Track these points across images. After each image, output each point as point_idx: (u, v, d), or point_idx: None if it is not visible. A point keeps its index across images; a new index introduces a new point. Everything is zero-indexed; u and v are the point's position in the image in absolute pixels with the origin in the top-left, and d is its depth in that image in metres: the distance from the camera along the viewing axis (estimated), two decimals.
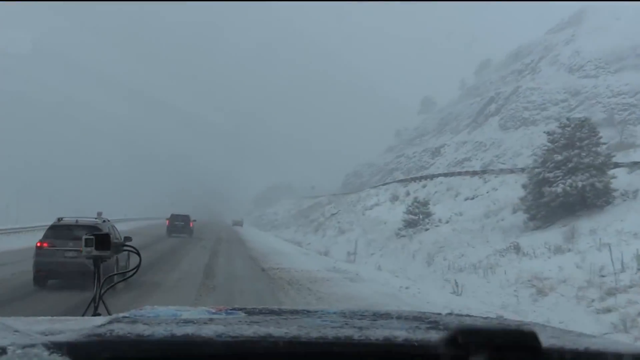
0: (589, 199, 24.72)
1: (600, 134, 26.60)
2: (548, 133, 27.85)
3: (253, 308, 1.67)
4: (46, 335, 1.12)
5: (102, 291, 2.72)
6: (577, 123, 26.48)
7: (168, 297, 12.13)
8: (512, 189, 34.17)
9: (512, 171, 38.11)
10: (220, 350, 1.05)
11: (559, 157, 25.56)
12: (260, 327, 1.17)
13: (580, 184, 24.70)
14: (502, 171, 40.23)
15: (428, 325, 1.38)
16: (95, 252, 2.68)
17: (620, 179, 25.16)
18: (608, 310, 13.28)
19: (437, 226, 33.33)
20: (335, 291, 14.24)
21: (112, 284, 3.32)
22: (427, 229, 33.23)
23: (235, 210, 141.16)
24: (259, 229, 76.95)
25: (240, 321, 1.34)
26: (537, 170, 26.69)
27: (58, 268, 12.01)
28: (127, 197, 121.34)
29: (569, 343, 1.19)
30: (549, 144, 26.98)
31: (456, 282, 16.31)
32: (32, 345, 0.98)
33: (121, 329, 1.13)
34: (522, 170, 37.69)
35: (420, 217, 34.26)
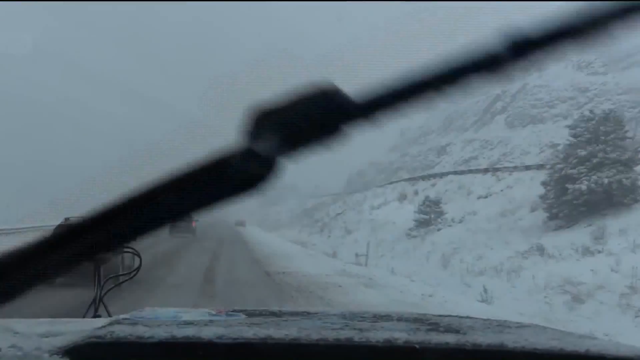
0: (616, 197, 23.12)
1: (627, 128, 25.01)
2: (570, 127, 26.24)
3: (253, 310, 1.63)
4: (46, 337, 1.10)
5: (103, 293, 2.70)
6: (601, 116, 24.84)
7: (162, 306, 10.63)
8: (529, 186, 32.57)
9: (527, 168, 36.49)
10: (220, 352, 1.05)
11: (583, 153, 23.96)
12: (260, 329, 1.16)
13: (606, 181, 23.10)
14: (516, 168, 38.61)
15: (429, 327, 1.35)
16: None
17: None
18: None
19: (449, 226, 31.74)
20: (351, 299, 12.67)
21: (113, 285, 3.16)
22: (439, 229, 31.64)
23: (238, 210, 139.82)
24: (262, 229, 75.49)
25: (240, 323, 1.32)
26: (558, 166, 25.09)
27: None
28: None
29: (569, 345, 1.16)
30: (571, 139, 25.36)
31: (485, 289, 14.69)
32: (32, 347, 0.98)
33: (121, 331, 1.11)
34: (538, 167, 36.10)
35: (432, 216, 32.67)
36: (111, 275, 3.46)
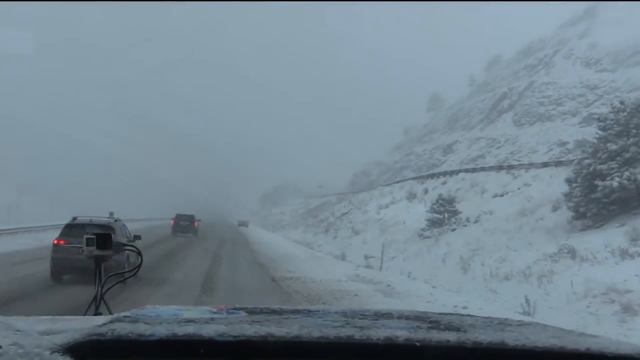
0: None
1: None
2: (599, 119, 24.35)
3: (254, 307, 1.63)
4: (47, 334, 1.11)
5: (104, 290, 2.70)
6: (633, 107, 22.98)
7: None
8: (548, 184, 30.77)
9: (544, 165, 34.64)
10: (221, 350, 1.04)
11: (614, 147, 22.10)
12: (261, 326, 1.15)
13: None
14: (532, 165, 36.75)
15: (429, 325, 1.35)
16: (96, 252, 2.69)
17: None
18: None
19: (464, 226, 29.93)
20: None
21: (114, 283, 3.09)
22: (454, 229, 29.82)
23: (241, 210, 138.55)
24: (265, 229, 73.70)
25: (241, 320, 1.33)
26: (586, 161, 23.22)
27: (73, 264, 12.21)
28: (130, 197, 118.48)
29: (570, 343, 1.16)
30: (600, 132, 23.50)
31: (527, 300, 12.83)
32: (34, 345, 0.98)
33: (122, 329, 1.11)
34: (557, 164, 34.29)
35: (446, 216, 30.86)
36: (112, 274, 3.29)
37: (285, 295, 12.97)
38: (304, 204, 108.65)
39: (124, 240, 13.03)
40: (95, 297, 2.71)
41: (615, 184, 21.58)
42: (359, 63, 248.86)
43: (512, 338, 1.13)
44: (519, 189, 32.49)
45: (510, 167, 38.28)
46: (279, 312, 1.58)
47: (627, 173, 21.57)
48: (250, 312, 1.53)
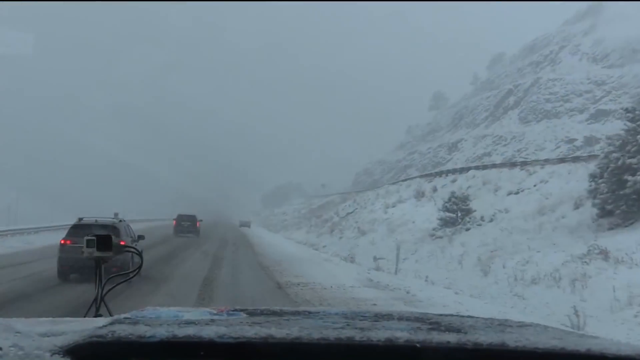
0: None
1: None
2: (627, 110, 22.73)
3: (254, 309, 1.62)
4: (48, 336, 1.11)
5: (104, 292, 2.72)
6: None
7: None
8: (567, 180, 29.18)
9: (562, 160, 33.01)
10: (221, 351, 1.04)
11: None
12: (261, 328, 1.15)
13: None
14: (547, 161, 35.10)
15: (430, 326, 1.34)
16: (96, 253, 2.68)
17: None
18: None
19: (479, 225, 28.33)
20: None
21: (115, 284, 3.01)
22: (468, 229, 28.22)
23: (243, 210, 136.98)
24: (267, 229, 72.11)
25: (241, 322, 1.31)
26: (614, 155, 21.59)
27: (79, 263, 11.95)
28: (130, 198, 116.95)
29: (571, 344, 1.16)
30: (628, 123, 21.88)
31: (576, 311, 11.19)
32: (34, 347, 0.99)
33: (123, 330, 1.11)
34: (574, 159, 32.66)
35: (459, 214, 29.25)
36: (112, 275, 3.11)
37: (294, 305, 11.36)
38: (306, 203, 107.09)
39: (129, 240, 13.28)
40: (95, 299, 2.72)
41: None
42: (360, 62, 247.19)
43: (512, 339, 1.11)
44: (535, 186, 30.87)
45: (524, 164, 36.63)
46: (279, 314, 1.55)
47: None
48: (251, 313, 1.51)
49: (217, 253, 25.78)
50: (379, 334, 1.10)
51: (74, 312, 7.47)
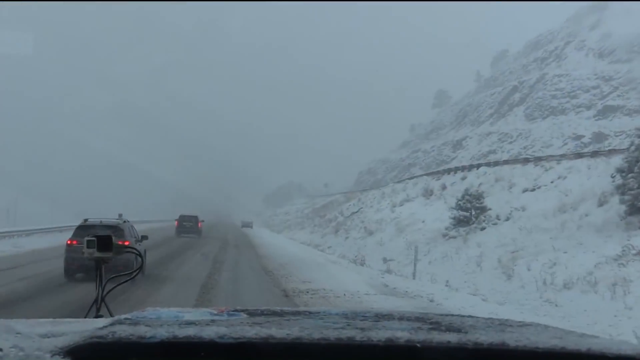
0: None
1: None
2: None
3: (255, 309, 1.62)
4: (48, 337, 1.12)
5: (105, 292, 2.72)
6: None
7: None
8: (587, 176, 27.59)
9: (579, 155, 31.40)
10: (222, 352, 1.05)
11: None
12: (262, 328, 1.15)
13: None
14: (564, 156, 33.50)
15: (430, 326, 1.35)
16: (97, 254, 2.67)
17: None
18: None
19: (494, 224, 26.74)
20: None
21: (115, 285, 2.98)
22: (483, 228, 26.64)
23: (245, 211, 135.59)
24: (270, 230, 70.60)
25: (242, 322, 1.32)
26: None
27: (84, 263, 11.60)
28: (131, 199, 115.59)
29: (571, 344, 1.15)
30: None
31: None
32: (34, 348, 0.99)
33: (123, 331, 1.11)
34: (592, 154, 31.08)
35: (473, 213, 27.66)
36: (112, 276, 3.01)
37: None
38: (309, 203, 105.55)
39: (132, 241, 13.60)
40: (95, 300, 2.68)
41: None
42: (361, 61, 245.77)
43: (513, 339, 1.11)
44: (552, 182, 29.27)
45: (539, 159, 35.02)
46: (280, 314, 1.55)
47: None
48: (251, 313, 1.52)
49: (218, 255, 24.27)
50: (380, 334, 1.09)
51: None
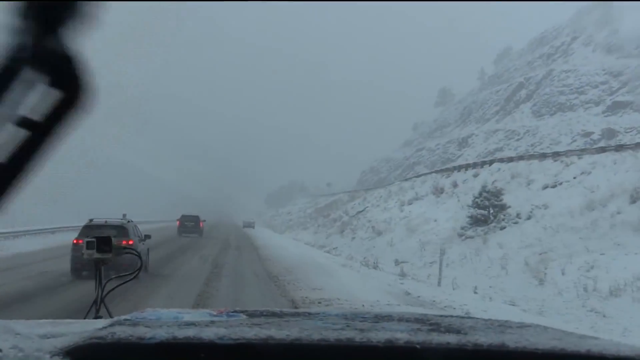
0: None
1: None
2: None
3: (254, 310, 1.61)
4: (48, 338, 1.11)
5: (104, 293, 2.74)
6: None
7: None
8: (614, 171, 25.71)
9: (602, 150, 29.51)
10: (221, 353, 1.05)
11: None
12: (261, 329, 1.15)
13: None
14: (584, 151, 31.61)
15: (430, 327, 1.34)
16: (96, 255, 2.70)
17: None
18: None
19: (515, 223, 24.87)
20: None
21: (115, 286, 3.03)
22: (503, 227, 24.76)
23: (246, 211, 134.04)
24: (272, 230, 68.81)
25: (241, 323, 1.31)
26: None
27: (90, 262, 7.46)
28: (132, 199, 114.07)
29: (570, 345, 1.15)
30: None
31: None
32: (34, 348, 1.00)
33: (122, 332, 1.11)
34: (617, 148, 29.20)
35: (491, 211, 25.80)
36: (112, 277, 3.08)
37: None
38: (311, 203, 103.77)
39: (136, 240, 14.07)
40: (95, 301, 2.70)
41: None
42: (363, 61, 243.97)
43: (512, 340, 1.11)
44: (574, 178, 27.39)
45: (557, 154, 33.13)
46: (279, 315, 1.56)
47: None
48: (251, 314, 1.52)
49: (218, 258, 22.46)
50: (379, 335, 1.09)
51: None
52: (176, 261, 20.42)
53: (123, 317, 1.39)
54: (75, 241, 13.99)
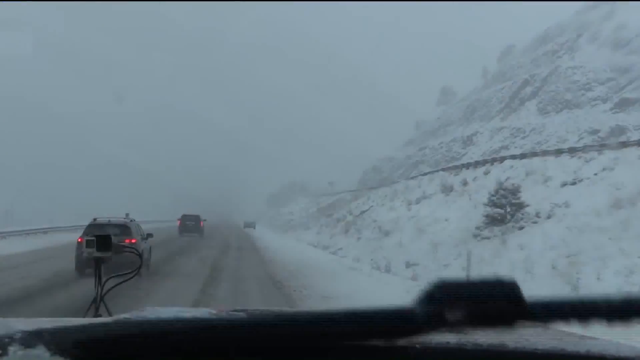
0: None
1: None
2: None
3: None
4: (47, 336, 1.07)
5: (104, 292, 2.71)
6: None
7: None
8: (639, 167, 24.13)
9: (624, 145, 27.91)
10: (221, 351, 1.04)
11: None
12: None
13: None
14: (604, 146, 30.00)
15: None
16: (96, 253, 2.68)
17: None
18: None
19: (535, 222, 23.27)
20: None
21: (114, 285, 3.01)
22: (521, 227, 23.16)
23: (247, 210, 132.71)
24: (274, 231, 67.30)
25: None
26: None
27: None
28: (132, 199, 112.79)
29: (570, 345, 1.16)
30: None
31: None
32: (33, 347, 0.99)
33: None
34: (639, 143, 27.58)
35: (508, 210, 24.19)
36: (111, 276, 3.01)
37: None
38: (313, 202, 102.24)
39: (139, 238, 14.62)
40: (95, 299, 2.68)
41: None
42: (363, 59, 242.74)
43: (512, 340, 1.11)
44: (596, 174, 25.77)
45: (573, 150, 31.52)
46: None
47: None
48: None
49: (217, 261, 20.87)
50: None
51: None
52: (174, 263, 18.94)
53: (122, 315, 1.40)
54: (79, 239, 14.27)
